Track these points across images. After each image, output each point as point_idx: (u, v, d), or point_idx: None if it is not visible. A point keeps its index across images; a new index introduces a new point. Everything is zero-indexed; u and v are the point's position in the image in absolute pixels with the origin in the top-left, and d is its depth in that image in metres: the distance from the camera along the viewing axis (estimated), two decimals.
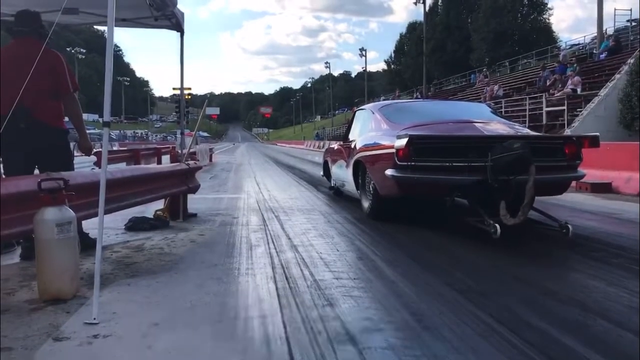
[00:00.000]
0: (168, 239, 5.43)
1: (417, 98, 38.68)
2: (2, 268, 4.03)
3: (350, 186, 7.74)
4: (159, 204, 6.52)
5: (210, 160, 23.37)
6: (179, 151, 7.45)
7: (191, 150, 9.30)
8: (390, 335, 2.78)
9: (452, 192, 5.43)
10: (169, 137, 73.88)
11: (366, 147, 6.79)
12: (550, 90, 21.20)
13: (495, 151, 5.00)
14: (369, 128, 7.29)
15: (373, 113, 7.42)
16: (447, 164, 5.35)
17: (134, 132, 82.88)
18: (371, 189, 6.62)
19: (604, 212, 7.42)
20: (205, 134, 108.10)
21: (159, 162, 17.55)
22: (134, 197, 5.10)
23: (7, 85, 4.21)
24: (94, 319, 2.92)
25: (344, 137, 8.66)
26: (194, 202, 7.34)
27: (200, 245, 5.20)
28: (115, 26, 3.63)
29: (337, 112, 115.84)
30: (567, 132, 17.02)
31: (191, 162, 7.10)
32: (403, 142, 5.31)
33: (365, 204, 6.92)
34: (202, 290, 3.59)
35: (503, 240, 4.89)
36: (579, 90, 19.48)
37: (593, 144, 5.81)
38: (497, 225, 4.77)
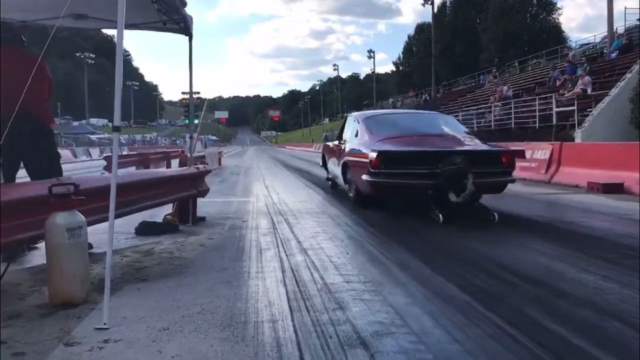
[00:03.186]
0: (178, 243, 5.43)
1: (425, 100, 39.40)
2: (14, 273, 4.05)
3: (340, 180, 9.44)
4: (168, 208, 6.54)
5: (219, 163, 23.41)
6: (189, 155, 7.46)
7: (200, 153, 9.33)
8: (402, 339, 2.77)
9: (414, 193, 7.02)
10: (178, 141, 74.23)
11: (351, 153, 8.37)
12: (560, 91, 21.07)
13: (444, 163, 6.57)
14: (355, 135, 8.72)
15: (359, 122, 8.84)
16: (409, 170, 6.82)
17: (143, 136, 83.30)
18: (352, 185, 8.29)
19: (616, 213, 7.35)
20: (214, 138, 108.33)
21: (168, 166, 17.61)
22: (144, 201, 5.11)
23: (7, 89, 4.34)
24: (105, 323, 2.93)
25: (338, 137, 10.11)
26: (204, 206, 7.35)
27: (209, 249, 5.20)
28: (125, 29, 3.64)
29: (345, 114, 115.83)
30: (578, 132, 16.93)
31: (200, 166, 7.11)
32: (374, 155, 6.98)
33: (351, 194, 8.50)
34: (212, 294, 3.59)
35: (514, 243, 5.03)
36: (589, 90, 19.34)
37: (520, 155, 8.06)
38: (440, 215, 6.48)
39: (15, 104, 3.86)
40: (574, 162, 11.78)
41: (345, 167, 8.71)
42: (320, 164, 12.66)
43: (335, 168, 9.86)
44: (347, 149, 8.65)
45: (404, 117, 10.20)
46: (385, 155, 6.97)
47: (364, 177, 7.17)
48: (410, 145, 7.32)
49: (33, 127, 4.48)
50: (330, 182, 11.08)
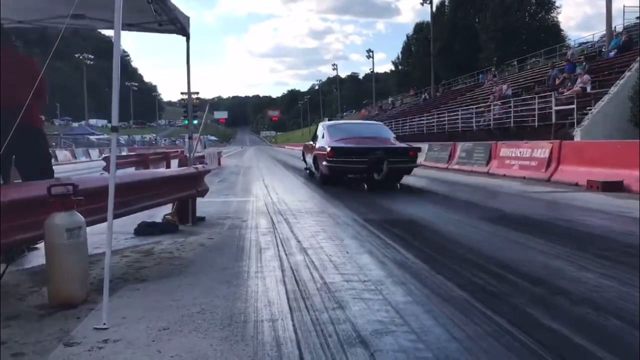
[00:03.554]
0: (177, 243, 5.43)
1: (425, 99, 41.01)
2: (13, 273, 4.06)
3: (312, 168, 13.53)
4: (168, 208, 6.53)
5: (219, 163, 23.41)
6: (188, 155, 7.46)
7: (200, 154, 9.38)
8: (402, 338, 2.77)
9: (353, 172, 11.44)
10: (177, 142, 74.26)
11: (318, 149, 12.44)
12: (560, 89, 21.07)
13: (370, 154, 10.59)
14: (322, 137, 12.67)
15: (324, 129, 13.04)
16: (350, 159, 10.94)
17: (142, 136, 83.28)
18: (319, 170, 12.24)
19: (615, 211, 7.36)
20: (214, 138, 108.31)
21: (168, 166, 17.59)
22: (143, 202, 5.10)
23: None
24: (104, 324, 2.93)
25: (312, 139, 14.29)
26: (203, 206, 7.35)
27: (209, 248, 5.20)
28: (122, 31, 3.65)
29: (345, 113, 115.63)
30: (577, 131, 16.92)
31: (200, 166, 7.10)
32: (329, 149, 11.05)
33: (317, 175, 12.68)
34: (212, 293, 3.59)
35: (513, 242, 5.04)
36: (588, 88, 19.35)
37: (418, 151, 12.06)
38: (365, 185, 10.81)
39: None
40: (574, 161, 11.79)
41: (315, 158, 12.81)
42: (302, 158, 16.93)
43: (309, 160, 14.11)
44: (316, 146, 12.80)
45: (354, 126, 15.01)
46: (336, 150, 11.10)
47: (324, 163, 11.36)
48: (351, 144, 11.45)
49: (19, 127, 4.41)
50: (308, 172, 15.23)
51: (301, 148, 18.23)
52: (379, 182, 10.65)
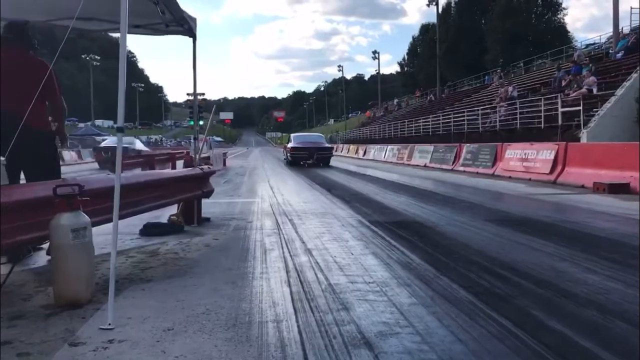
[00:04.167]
0: (182, 243, 5.44)
1: (430, 100, 48.31)
2: (19, 273, 4.08)
3: (287, 157, 25.51)
4: (173, 209, 6.55)
5: (224, 164, 23.44)
6: (193, 156, 7.48)
7: (205, 154, 9.41)
8: (406, 339, 2.76)
9: (302, 160, 23.72)
10: (183, 142, 74.44)
11: (288, 148, 25.56)
12: (566, 91, 20.99)
13: (309, 150, 23.85)
14: (289, 142, 26.30)
15: (291, 138, 26.38)
16: (300, 152, 23.90)
17: (148, 137, 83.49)
18: (287, 157, 25.34)
19: (621, 213, 7.32)
20: (219, 139, 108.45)
21: (174, 167, 17.64)
22: (149, 202, 5.12)
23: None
24: (109, 324, 2.93)
25: (286, 142, 29.70)
26: (208, 207, 7.36)
27: (214, 249, 5.21)
28: (128, 33, 3.66)
29: (350, 115, 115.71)
30: (583, 132, 16.85)
31: (205, 167, 7.12)
32: (290, 148, 24.69)
33: (284, 160, 26.60)
34: (217, 294, 3.60)
35: (519, 244, 5.03)
36: (595, 90, 19.27)
37: (334, 150, 30.40)
38: (306, 163, 23.54)
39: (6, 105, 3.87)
40: (580, 163, 11.74)
41: (286, 152, 25.63)
42: (283, 153, 29.42)
43: (285, 153, 26.12)
44: (287, 147, 25.52)
45: (305, 136, 28.88)
46: (294, 148, 24.11)
47: (289, 154, 24.60)
48: (301, 145, 24.16)
49: (24, 130, 4.41)
50: (285, 160, 26.08)
51: None
52: (313, 163, 22.88)
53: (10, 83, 4.42)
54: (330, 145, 26.87)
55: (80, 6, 3.62)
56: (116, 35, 6.98)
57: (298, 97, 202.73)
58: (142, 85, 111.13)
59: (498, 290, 3.65)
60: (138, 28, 6.09)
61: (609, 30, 28.04)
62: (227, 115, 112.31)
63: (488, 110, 26.68)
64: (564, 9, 59.81)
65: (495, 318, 3.06)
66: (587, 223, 6.58)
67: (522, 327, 2.90)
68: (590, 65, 22.27)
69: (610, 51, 25.89)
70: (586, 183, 10.73)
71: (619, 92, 17.66)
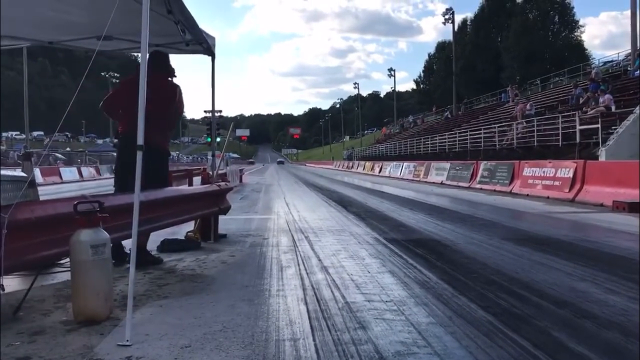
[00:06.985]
0: (199, 260, 5.46)
1: (447, 117, 48.61)
2: (39, 289, 4.11)
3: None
4: (190, 225, 6.58)
5: (241, 181, 23.55)
6: (210, 173, 7.53)
7: (222, 171, 9.47)
8: (424, 359, 2.73)
9: None
10: (200, 159, 75.06)
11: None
12: (584, 108, 20.85)
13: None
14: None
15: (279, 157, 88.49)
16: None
17: None
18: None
19: None
20: (236, 155, 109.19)
21: (190, 184, 17.74)
22: (166, 219, 5.15)
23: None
24: (127, 340, 2.94)
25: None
26: (225, 223, 7.39)
27: (231, 266, 5.22)
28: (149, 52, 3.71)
29: (366, 132, 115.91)
30: (602, 150, 16.67)
31: (222, 184, 7.16)
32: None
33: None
34: (234, 311, 3.59)
35: (538, 263, 4.97)
36: (613, 107, 19.11)
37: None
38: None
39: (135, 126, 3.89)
40: (599, 181, 11.61)
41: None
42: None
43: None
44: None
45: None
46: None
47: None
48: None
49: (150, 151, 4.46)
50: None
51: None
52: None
53: (158, 111, 4.79)
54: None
55: (106, 29, 3.67)
56: (136, 53, 7.11)
57: (314, 114, 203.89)
58: None
59: (517, 311, 3.61)
60: (158, 47, 6.17)
61: (627, 48, 27.89)
62: (243, 132, 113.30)
63: (505, 128, 26.55)
64: (581, 26, 59.78)
65: (515, 339, 3.02)
66: (607, 242, 6.49)
67: (542, 349, 2.85)
68: (606, 83, 22.13)
69: (629, 69, 25.72)
70: (605, 201, 10.60)
71: (638, 110, 17.47)
